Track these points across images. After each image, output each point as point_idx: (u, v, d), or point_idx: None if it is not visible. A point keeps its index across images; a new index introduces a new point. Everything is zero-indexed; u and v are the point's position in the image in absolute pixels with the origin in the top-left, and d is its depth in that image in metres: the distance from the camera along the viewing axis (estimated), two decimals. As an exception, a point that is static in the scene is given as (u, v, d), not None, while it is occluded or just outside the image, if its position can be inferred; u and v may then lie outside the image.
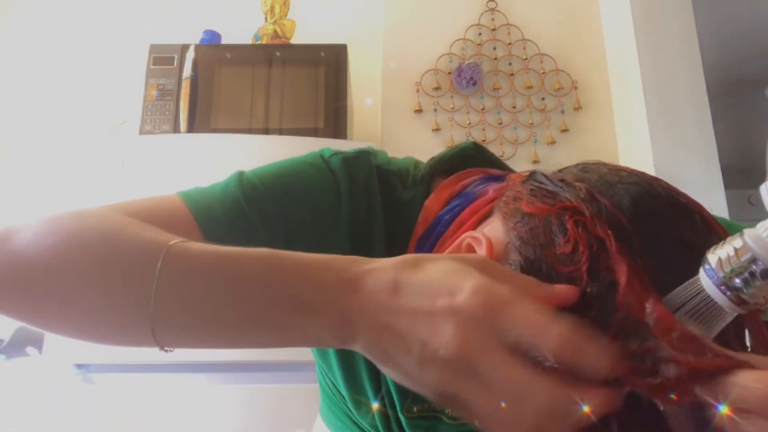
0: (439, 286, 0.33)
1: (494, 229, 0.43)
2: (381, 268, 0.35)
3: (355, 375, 0.57)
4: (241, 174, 0.56)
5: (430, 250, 0.51)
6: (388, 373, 0.35)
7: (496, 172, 0.57)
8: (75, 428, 1.31)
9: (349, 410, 0.61)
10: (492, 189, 0.51)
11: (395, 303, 0.33)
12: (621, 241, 0.35)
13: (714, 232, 0.37)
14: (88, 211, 0.44)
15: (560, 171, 0.44)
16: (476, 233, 0.43)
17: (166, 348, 0.38)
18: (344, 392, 0.59)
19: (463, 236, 0.44)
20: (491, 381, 0.30)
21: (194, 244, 0.38)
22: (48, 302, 0.39)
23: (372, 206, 0.54)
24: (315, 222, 0.53)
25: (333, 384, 0.62)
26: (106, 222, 0.42)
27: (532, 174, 0.44)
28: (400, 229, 0.54)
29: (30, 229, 0.41)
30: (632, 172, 0.40)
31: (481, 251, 0.41)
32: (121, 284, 0.38)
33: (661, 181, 0.40)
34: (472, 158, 0.59)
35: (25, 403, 1.48)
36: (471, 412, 0.31)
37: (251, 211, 0.51)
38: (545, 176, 0.42)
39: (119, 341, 0.40)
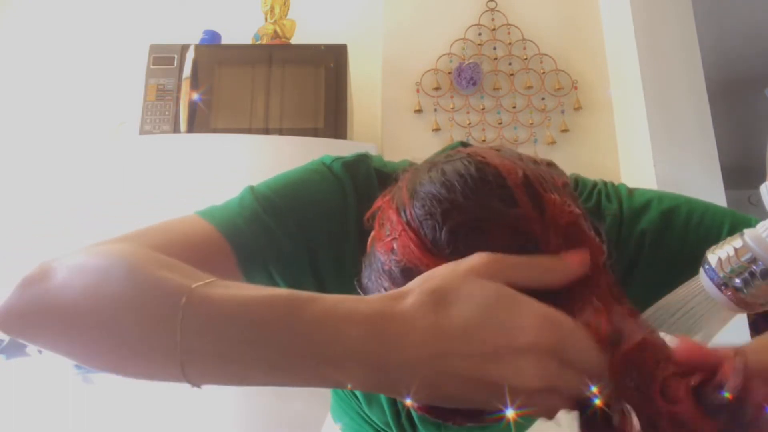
0: (493, 325, 0.33)
1: None
2: (409, 313, 0.34)
3: None
4: (252, 188, 0.57)
5: None
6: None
7: None
8: (75, 428, 1.31)
9: (361, 408, 0.62)
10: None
11: (450, 348, 0.33)
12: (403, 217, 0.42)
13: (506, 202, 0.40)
14: (116, 249, 0.44)
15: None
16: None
17: (197, 385, 0.38)
18: (358, 392, 0.60)
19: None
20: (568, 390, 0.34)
21: (216, 287, 0.38)
22: (80, 343, 0.40)
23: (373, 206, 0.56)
24: (328, 224, 0.55)
25: None
26: (131, 261, 0.42)
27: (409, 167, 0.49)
28: None
29: (63, 269, 0.42)
30: (468, 155, 0.44)
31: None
32: (148, 330, 0.38)
33: (484, 160, 0.43)
34: None
35: (25, 403, 1.48)
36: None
37: (272, 222, 0.53)
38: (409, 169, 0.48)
39: (153, 379, 0.40)
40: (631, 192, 0.64)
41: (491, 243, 0.37)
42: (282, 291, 0.37)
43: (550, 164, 0.48)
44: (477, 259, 0.36)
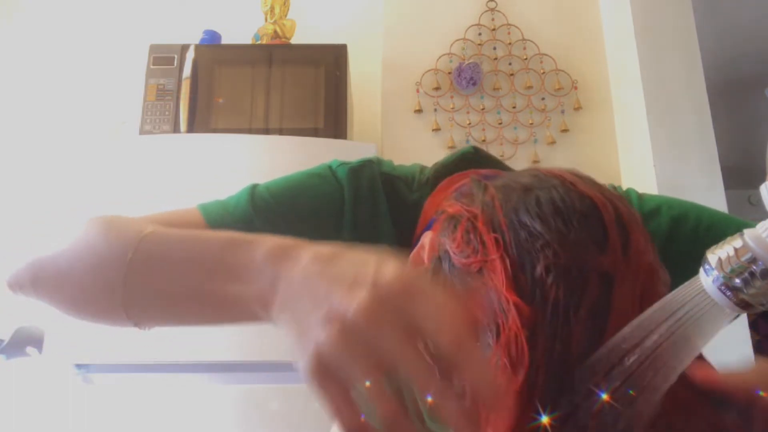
0: (368, 263, 0.34)
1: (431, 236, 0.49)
2: (321, 246, 0.38)
3: None
4: (253, 188, 0.60)
5: None
6: (284, 323, 0.36)
7: (487, 171, 0.59)
8: (75, 428, 1.31)
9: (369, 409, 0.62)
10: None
11: (322, 270, 0.35)
12: (501, 245, 0.39)
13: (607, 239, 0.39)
14: (102, 216, 0.52)
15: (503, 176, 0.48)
16: (427, 236, 0.49)
17: (140, 325, 0.44)
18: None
19: (424, 234, 0.50)
20: (378, 353, 0.31)
21: (172, 231, 0.45)
22: (63, 291, 0.49)
23: (377, 209, 0.59)
24: (320, 227, 0.57)
25: None
26: (116, 221, 0.49)
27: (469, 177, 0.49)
28: (409, 230, 0.58)
29: (65, 240, 0.51)
30: (561, 181, 0.43)
31: (426, 243, 0.48)
32: (104, 271, 0.45)
33: (574, 187, 0.42)
34: (472, 161, 0.62)
35: (25, 403, 1.48)
36: (334, 389, 0.32)
37: (258, 221, 0.57)
38: (476, 180, 0.47)
39: (104, 320, 0.47)
40: (641, 197, 0.64)
41: (574, 291, 0.36)
42: (224, 231, 0.43)
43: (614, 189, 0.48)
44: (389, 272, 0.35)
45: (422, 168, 0.64)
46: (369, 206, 0.59)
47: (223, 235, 0.42)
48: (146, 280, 0.43)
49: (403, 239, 0.57)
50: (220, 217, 0.57)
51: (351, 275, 0.34)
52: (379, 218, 0.59)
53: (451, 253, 0.42)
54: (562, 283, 0.36)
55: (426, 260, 0.47)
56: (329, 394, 0.32)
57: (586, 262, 0.36)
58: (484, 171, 0.59)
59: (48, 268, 0.49)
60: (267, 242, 0.39)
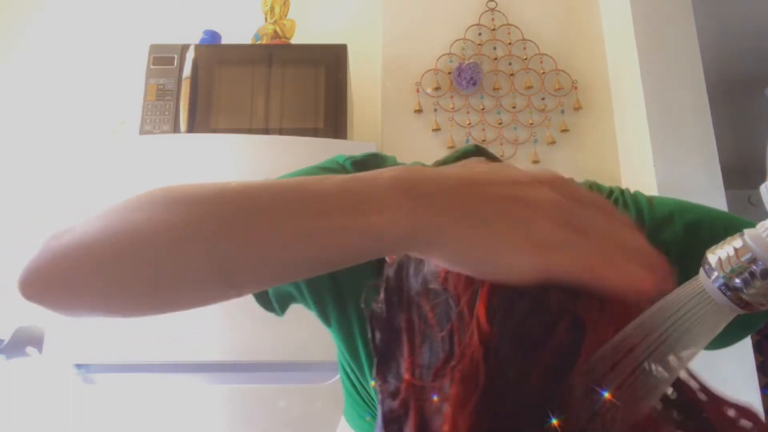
0: (520, 171, 0.36)
1: None
2: (438, 169, 0.37)
3: None
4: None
5: None
6: (476, 244, 0.34)
7: None
8: (75, 428, 1.31)
9: (376, 410, 0.60)
10: None
11: (479, 178, 0.35)
12: None
13: None
14: (142, 192, 0.43)
15: None
16: None
17: (234, 288, 0.37)
18: (373, 392, 0.59)
19: None
20: (588, 226, 0.34)
21: (251, 181, 0.39)
22: (116, 277, 0.38)
23: None
24: None
25: (360, 384, 0.62)
26: (164, 190, 0.41)
27: None
28: None
29: (90, 217, 0.41)
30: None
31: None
32: (189, 235, 0.36)
33: None
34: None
35: (25, 403, 1.48)
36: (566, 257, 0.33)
37: None
38: None
39: (190, 296, 0.38)
40: (651, 201, 0.62)
41: (543, 326, 0.36)
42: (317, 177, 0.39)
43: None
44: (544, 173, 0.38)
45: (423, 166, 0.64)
46: None
47: (328, 177, 0.38)
48: (242, 231, 0.36)
49: None
50: None
51: (513, 177, 0.36)
52: None
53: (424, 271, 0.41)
54: (532, 315, 0.35)
55: None
56: (589, 255, 0.33)
57: (561, 302, 0.35)
58: None
59: (94, 249, 0.38)
60: (384, 171, 0.36)
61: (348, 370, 0.64)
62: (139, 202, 0.40)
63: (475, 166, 0.37)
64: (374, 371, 0.40)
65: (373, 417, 0.63)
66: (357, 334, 0.59)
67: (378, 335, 0.40)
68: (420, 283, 0.39)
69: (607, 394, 0.32)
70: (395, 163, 0.62)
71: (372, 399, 0.61)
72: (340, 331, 0.60)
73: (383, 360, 0.40)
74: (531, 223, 0.33)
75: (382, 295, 0.41)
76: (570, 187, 0.36)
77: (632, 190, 0.65)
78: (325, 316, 0.61)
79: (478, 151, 0.62)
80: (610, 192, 0.63)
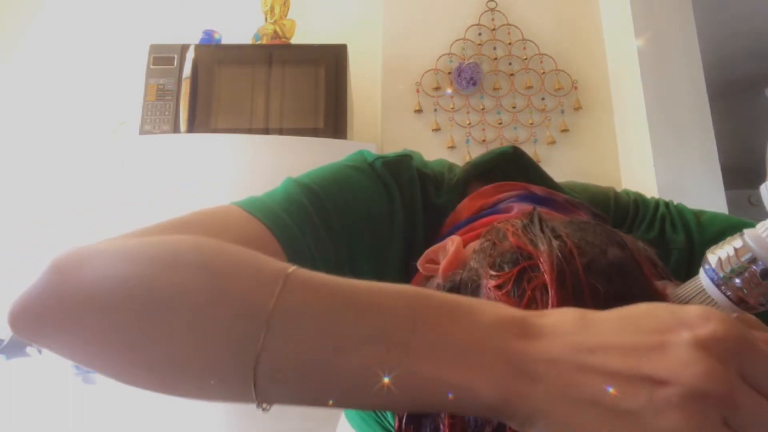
0: (663, 318, 0.26)
1: (474, 245, 0.42)
2: (557, 320, 0.28)
3: None
4: (296, 180, 0.52)
5: None
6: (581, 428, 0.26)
7: (538, 189, 0.54)
8: (75, 428, 1.31)
9: (377, 413, 0.59)
10: (517, 208, 0.49)
11: (598, 340, 0.26)
12: (563, 294, 0.33)
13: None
14: (174, 238, 0.37)
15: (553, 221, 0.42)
16: (456, 238, 0.43)
17: (264, 404, 0.31)
18: None
19: (448, 239, 0.44)
20: (747, 420, 0.24)
21: (316, 273, 0.32)
22: (121, 344, 0.32)
23: (416, 210, 0.53)
24: (372, 228, 0.51)
25: None
26: (201, 245, 0.35)
27: (535, 212, 0.43)
28: (435, 233, 0.53)
29: (109, 254, 0.35)
30: (604, 234, 0.38)
31: (451, 248, 0.41)
32: (228, 320, 0.30)
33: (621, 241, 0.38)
34: (509, 163, 0.57)
35: (25, 403, 1.48)
36: None
37: (318, 219, 0.48)
38: (542, 220, 0.41)
39: (216, 394, 0.32)
40: (699, 219, 0.57)
41: None
42: (403, 285, 0.32)
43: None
44: (715, 325, 0.26)
45: (450, 167, 0.59)
46: (410, 207, 0.53)
47: (407, 290, 0.31)
48: (296, 341, 0.29)
49: (430, 243, 0.51)
50: (276, 216, 0.47)
51: (655, 339, 0.25)
52: (417, 220, 0.53)
53: (488, 283, 0.37)
54: None
55: (444, 264, 0.42)
56: None
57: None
58: (535, 189, 0.54)
59: (108, 308, 0.32)
60: (485, 309, 0.29)
61: None
62: (168, 256, 0.34)
63: (602, 316, 0.28)
64: None
65: (375, 420, 0.61)
66: None
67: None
68: None
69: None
70: (423, 164, 0.57)
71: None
72: None
73: None
74: (651, 415, 0.24)
75: None
76: (751, 350, 0.25)
77: (675, 203, 0.60)
78: None
79: (515, 154, 0.58)
80: (656, 208, 0.58)
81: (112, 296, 0.32)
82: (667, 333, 0.26)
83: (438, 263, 0.43)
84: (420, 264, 0.45)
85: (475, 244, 0.42)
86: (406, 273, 0.52)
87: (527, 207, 0.49)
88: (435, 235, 0.53)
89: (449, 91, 1.86)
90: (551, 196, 0.53)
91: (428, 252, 0.44)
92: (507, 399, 0.27)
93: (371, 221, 0.51)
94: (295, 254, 0.46)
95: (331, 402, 0.30)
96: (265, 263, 0.32)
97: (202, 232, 0.41)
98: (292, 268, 0.31)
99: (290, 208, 0.48)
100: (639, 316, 0.27)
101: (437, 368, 0.27)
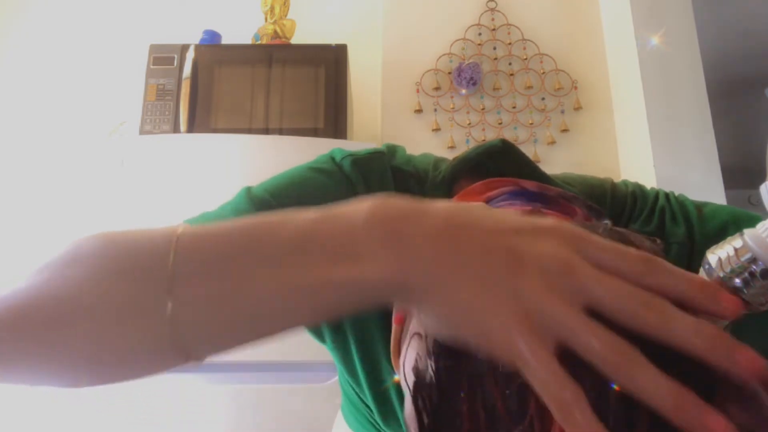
0: (521, 217, 0.30)
1: None
2: (428, 204, 0.31)
3: (386, 396, 0.53)
4: (248, 190, 0.51)
5: None
6: (452, 292, 0.28)
7: (530, 184, 0.52)
8: (75, 427, 1.31)
9: (375, 421, 0.58)
10: (513, 210, 0.47)
11: (471, 220, 0.30)
12: None
13: None
14: (80, 238, 0.37)
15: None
16: None
17: (193, 357, 0.32)
18: (373, 408, 0.55)
19: None
20: (589, 290, 0.27)
21: (207, 226, 0.33)
22: (39, 347, 0.31)
23: None
24: None
25: (357, 396, 0.58)
26: (100, 237, 0.35)
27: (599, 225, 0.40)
28: None
29: (27, 276, 0.35)
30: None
31: None
32: (134, 286, 0.31)
33: None
34: (499, 158, 0.54)
35: (26, 402, 1.48)
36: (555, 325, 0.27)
37: None
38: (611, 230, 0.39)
39: (141, 363, 0.32)
40: (700, 211, 0.55)
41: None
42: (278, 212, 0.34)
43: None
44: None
45: (436, 162, 0.56)
46: None
47: (291, 215, 0.32)
48: (201, 290, 0.30)
49: None
50: None
51: (512, 223, 0.30)
52: None
53: None
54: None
55: None
56: (543, 362, 0.26)
57: None
58: (527, 184, 0.51)
59: (18, 313, 0.31)
60: (359, 208, 0.31)
61: (345, 378, 0.60)
62: (74, 253, 0.34)
63: (468, 206, 0.32)
64: None
65: (372, 425, 0.59)
66: (354, 353, 0.53)
67: (426, 420, 0.33)
68: (486, 363, 0.31)
69: (616, 387, 0.28)
70: (405, 161, 0.54)
71: (371, 410, 0.58)
72: (336, 350, 0.55)
73: None
74: (521, 288, 0.27)
75: (431, 368, 0.33)
76: (586, 239, 0.29)
77: (677, 194, 0.59)
78: (317, 333, 0.55)
79: (504, 147, 0.55)
80: (655, 199, 0.57)
81: (31, 305, 0.32)
82: (521, 223, 0.30)
83: None
84: None
85: None
86: None
87: (524, 208, 0.47)
88: None
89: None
90: (543, 191, 0.50)
91: None
92: (398, 281, 0.29)
93: None
94: None
95: (248, 336, 0.32)
96: (156, 231, 0.33)
97: None
98: (181, 227, 0.33)
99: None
100: (505, 217, 0.31)
101: (329, 272, 0.29)
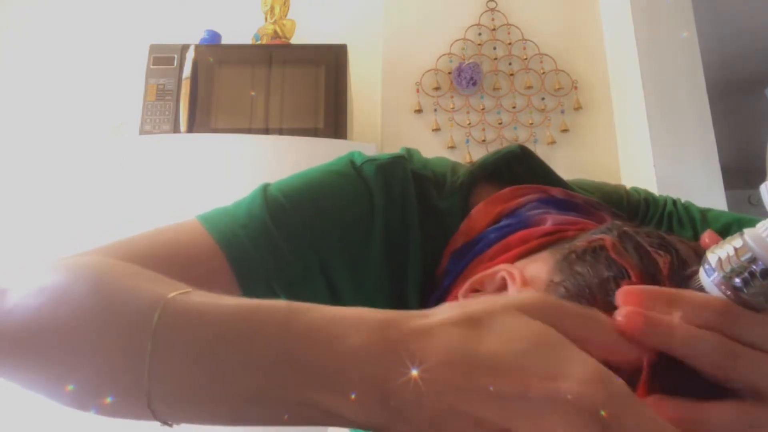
0: (531, 363, 0.27)
1: (537, 269, 0.40)
2: (431, 330, 0.28)
3: None
4: (265, 190, 0.50)
5: (464, 267, 0.47)
6: None
7: (555, 191, 0.52)
8: (75, 427, 1.31)
9: None
10: (551, 220, 0.47)
11: (468, 383, 0.26)
12: None
13: None
14: (83, 261, 0.39)
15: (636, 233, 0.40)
16: (513, 268, 0.40)
17: (167, 423, 0.32)
18: None
19: (498, 267, 0.41)
20: None
21: (197, 297, 0.33)
22: (39, 371, 0.34)
23: (408, 215, 0.50)
24: (346, 237, 0.48)
25: None
26: (99, 274, 0.36)
27: (620, 231, 0.40)
28: (436, 241, 0.50)
29: (19, 289, 0.37)
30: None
31: (512, 290, 0.39)
32: (115, 349, 0.32)
33: None
34: (517, 164, 0.55)
35: (25, 402, 1.48)
36: None
37: (279, 234, 0.47)
38: (632, 236, 0.39)
39: (116, 413, 0.33)
40: (705, 216, 0.57)
41: None
42: (278, 302, 0.32)
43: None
44: (528, 296, 0.31)
45: (454, 167, 0.55)
46: (400, 211, 0.50)
47: (281, 313, 0.31)
48: (177, 373, 0.30)
49: (430, 249, 0.50)
50: (232, 233, 0.46)
51: (520, 389, 0.26)
52: (409, 225, 0.50)
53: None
54: None
55: (514, 289, 0.40)
56: None
57: None
58: (554, 192, 0.52)
59: (11, 340, 0.35)
60: (353, 334, 0.29)
61: None
62: (63, 288, 0.36)
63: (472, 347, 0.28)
64: None
65: None
66: None
67: None
68: None
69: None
70: (423, 165, 0.54)
71: None
72: None
73: None
74: None
75: None
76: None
77: (683, 200, 0.61)
78: None
79: (522, 154, 0.55)
80: (664, 205, 0.59)
81: (15, 328, 0.35)
82: (531, 383, 0.26)
83: (483, 292, 0.41)
84: (463, 293, 0.43)
85: (540, 278, 0.39)
86: (390, 275, 0.49)
87: (561, 217, 0.47)
88: (438, 244, 0.50)
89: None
90: (571, 198, 0.51)
91: (473, 282, 0.42)
92: (375, 425, 0.28)
93: (345, 228, 0.49)
94: (246, 273, 0.45)
95: (222, 423, 0.32)
96: (144, 292, 0.33)
97: (149, 252, 0.43)
98: (172, 294, 0.32)
99: (250, 224, 0.47)
100: (514, 360, 0.27)
101: (308, 392, 0.28)
